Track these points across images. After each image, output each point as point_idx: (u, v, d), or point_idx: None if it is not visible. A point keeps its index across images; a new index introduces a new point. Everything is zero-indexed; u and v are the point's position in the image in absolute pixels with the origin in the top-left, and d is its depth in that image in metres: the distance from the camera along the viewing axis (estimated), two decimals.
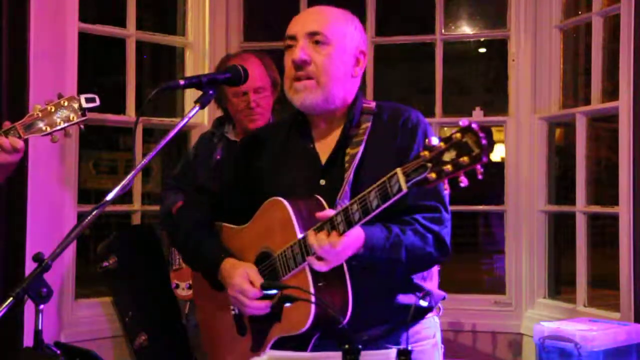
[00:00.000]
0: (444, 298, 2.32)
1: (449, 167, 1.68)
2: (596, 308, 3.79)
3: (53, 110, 2.33)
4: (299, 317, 2.03)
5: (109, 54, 5.23)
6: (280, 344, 2.10)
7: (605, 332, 3.20)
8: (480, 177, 1.67)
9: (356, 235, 1.99)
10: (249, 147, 2.39)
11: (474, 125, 1.67)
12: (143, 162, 2.03)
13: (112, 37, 4.21)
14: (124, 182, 1.95)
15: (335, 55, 2.17)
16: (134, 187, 4.17)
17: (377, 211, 1.87)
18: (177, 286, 3.53)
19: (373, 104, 2.27)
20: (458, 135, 1.68)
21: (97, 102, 2.33)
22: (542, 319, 3.66)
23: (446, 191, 1.75)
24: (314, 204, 2.10)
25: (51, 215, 3.72)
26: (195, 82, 2.15)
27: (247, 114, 3.39)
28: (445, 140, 1.70)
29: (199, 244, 2.33)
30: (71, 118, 2.33)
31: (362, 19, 4.35)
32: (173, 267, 3.55)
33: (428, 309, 2.24)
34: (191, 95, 4.21)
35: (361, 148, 2.16)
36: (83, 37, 3.93)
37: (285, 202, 2.10)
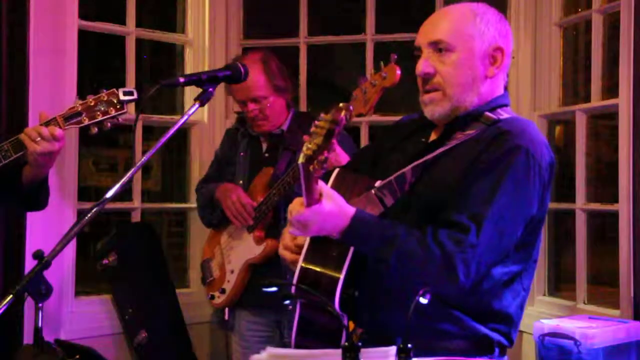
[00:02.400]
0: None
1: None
2: (596, 305, 3.78)
3: (93, 103, 2.40)
4: None
5: (108, 51, 5.22)
6: None
7: (604, 330, 3.20)
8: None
9: (332, 214, 1.92)
10: (388, 131, 2.41)
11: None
12: (143, 159, 2.03)
13: (112, 34, 4.21)
14: (124, 180, 1.97)
15: (462, 61, 2.05)
16: (133, 185, 4.18)
17: (302, 182, 1.84)
18: (213, 297, 3.52)
19: (499, 116, 2.09)
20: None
21: (135, 96, 2.37)
22: (542, 316, 3.66)
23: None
24: (362, 181, 2.13)
25: (51, 212, 3.70)
26: (195, 79, 2.15)
27: (250, 121, 3.40)
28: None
29: None
30: (110, 111, 2.38)
31: (362, 18, 4.39)
32: (207, 281, 3.57)
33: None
34: (191, 92, 4.21)
35: (437, 151, 2.07)
36: (83, 34, 3.93)
37: (335, 172, 2.16)
